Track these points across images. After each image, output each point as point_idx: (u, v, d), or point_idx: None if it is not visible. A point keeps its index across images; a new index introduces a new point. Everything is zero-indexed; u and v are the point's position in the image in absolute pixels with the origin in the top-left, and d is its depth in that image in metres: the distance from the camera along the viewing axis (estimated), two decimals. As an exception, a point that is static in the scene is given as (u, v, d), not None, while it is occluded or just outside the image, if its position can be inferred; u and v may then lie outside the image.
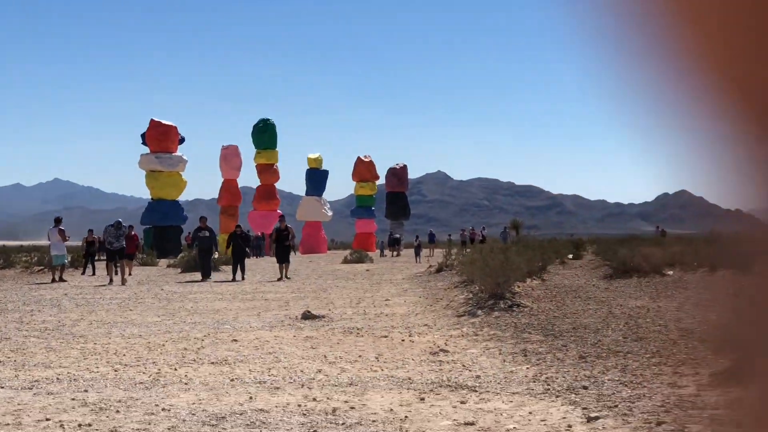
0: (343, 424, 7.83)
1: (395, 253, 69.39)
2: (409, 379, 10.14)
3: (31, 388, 9.62)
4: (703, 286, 21.56)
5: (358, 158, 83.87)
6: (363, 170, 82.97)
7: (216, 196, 75.83)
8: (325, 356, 12.15)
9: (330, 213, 78.80)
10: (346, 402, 8.78)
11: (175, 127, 67.73)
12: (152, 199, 67.71)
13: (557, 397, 8.83)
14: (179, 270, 38.57)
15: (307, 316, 17.31)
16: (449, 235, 78.90)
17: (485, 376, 10.23)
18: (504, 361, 11.45)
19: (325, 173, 78.62)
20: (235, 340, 14.03)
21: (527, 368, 10.78)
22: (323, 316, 17.42)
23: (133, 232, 37.76)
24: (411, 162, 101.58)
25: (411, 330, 15.15)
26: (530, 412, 8.13)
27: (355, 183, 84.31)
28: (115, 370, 10.90)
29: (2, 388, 9.66)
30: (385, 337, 14.34)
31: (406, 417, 8.08)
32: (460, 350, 12.65)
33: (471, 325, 15.45)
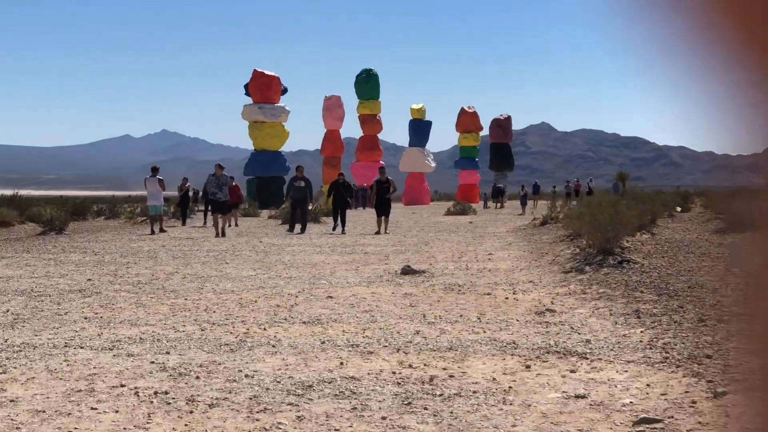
0: (440, 395, 7.10)
1: (499, 204, 68.69)
2: (514, 343, 9.33)
3: (111, 349, 9.05)
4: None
5: (462, 109, 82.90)
6: (467, 121, 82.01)
7: (319, 146, 75.48)
8: (423, 315, 11.44)
9: (433, 164, 78.09)
10: (444, 369, 8.05)
11: (278, 78, 67.48)
12: (255, 150, 67.56)
13: (678, 366, 7.95)
14: (280, 221, 38.22)
15: (407, 271, 16.64)
16: (554, 187, 77.29)
17: (596, 341, 9.40)
18: (616, 323, 10.57)
19: (429, 124, 77.71)
20: (331, 297, 13.38)
21: (642, 332, 9.91)
22: (424, 272, 16.72)
23: (234, 183, 37.00)
24: (515, 113, 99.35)
25: (515, 287, 14.34)
26: (648, 384, 7.31)
27: (458, 134, 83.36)
28: (202, 330, 10.29)
29: (82, 348, 9.10)
30: (488, 294, 13.57)
31: (510, 388, 7.33)
32: (567, 310, 11.83)
33: (578, 282, 14.56)
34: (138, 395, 7.01)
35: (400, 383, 7.49)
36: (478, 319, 11.08)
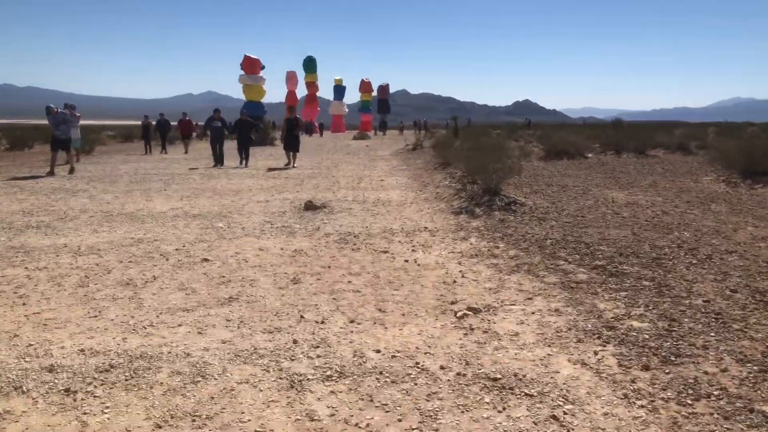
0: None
1: (383, 133, 62.76)
2: None
3: None
4: (638, 168, 12.94)
5: (362, 79, 75.07)
6: (365, 86, 74.91)
7: (283, 99, 66.85)
8: (301, 318, 3.80)
9: (347, 110, 72.59)
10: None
11: (259, 60, 58.07)
12: (246, 100, 58.56)
13: None
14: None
15: (309, 206, 8.93)
16: (402, 122, 72.10)
17: None
18: (601, 377, 2.98)
19: (344, 87, 71.10)
20: (206, 260, 5.64)
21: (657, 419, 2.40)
22: (324, 206, 8.98)
23: (188, 118, 26.43)
24: (390, 81, 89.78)
25: (412, 238, 6.66)
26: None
27: (360, 93, 75.41)
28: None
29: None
30: (386, 252, 5.93)
31: None
32: (498, 305, 4.28)
33: (477, 232, 6.85)
34: None
35: None
36: (377, 331, 3.41)
